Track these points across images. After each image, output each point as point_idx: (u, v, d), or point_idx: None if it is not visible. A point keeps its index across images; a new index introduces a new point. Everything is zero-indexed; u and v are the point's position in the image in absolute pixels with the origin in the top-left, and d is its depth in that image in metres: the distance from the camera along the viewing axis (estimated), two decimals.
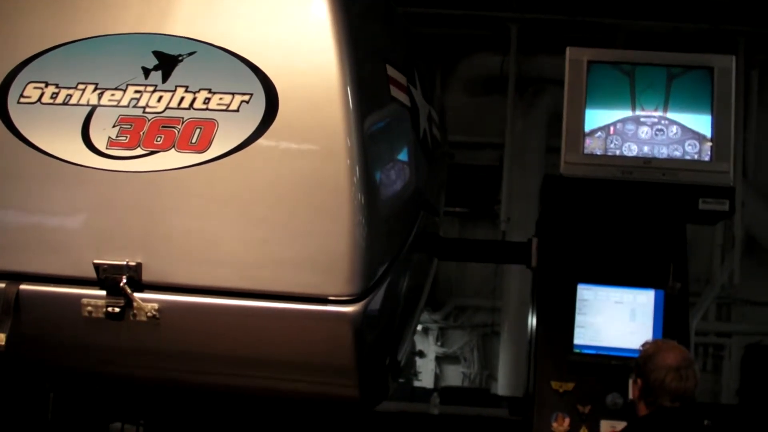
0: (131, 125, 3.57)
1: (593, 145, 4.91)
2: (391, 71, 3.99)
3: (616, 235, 5.02)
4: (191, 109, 3.57)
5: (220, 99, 3.56)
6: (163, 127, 3.56)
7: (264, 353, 3.72)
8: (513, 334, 10.86)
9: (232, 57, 3.60)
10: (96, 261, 3.57)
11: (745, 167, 11.24)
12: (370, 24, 3.99)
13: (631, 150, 4.91)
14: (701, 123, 4.92)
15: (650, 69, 4.97)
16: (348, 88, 3.51)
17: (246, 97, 3.54)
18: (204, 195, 3.55)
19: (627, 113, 4.92)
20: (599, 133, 4.91)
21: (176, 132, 3.55)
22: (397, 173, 4.05)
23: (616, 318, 4.91)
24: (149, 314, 3.58)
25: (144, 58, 3.67)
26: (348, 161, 3.49)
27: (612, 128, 4.91)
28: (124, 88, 3.63)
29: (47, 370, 4.13)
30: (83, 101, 3.62)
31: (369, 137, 3.61)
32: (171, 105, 3.59)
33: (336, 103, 3.50)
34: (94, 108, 3.61)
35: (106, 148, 3.57)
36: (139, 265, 3.57)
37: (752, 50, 10.65)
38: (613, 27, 10.21)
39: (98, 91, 3.63)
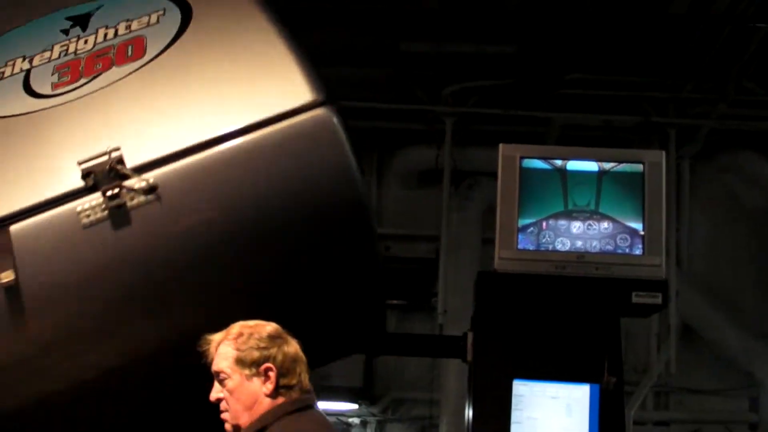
0: (69, 67, 3.96)
1: (526, 241, 4.93)
2: None
3: (551, 330, 5.03)
4: (117, 37, 4.02)
5: (140, 20, 4.06)
6: (97, 56, 3.97)
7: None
8: (452, 426, 10.76)
9: None
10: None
11: (678, 257, 11.32)
12: None
13: (564, 245, 4.93)
14: (633, 217, 4.95)
15: (581, 164, 5.01)
16: None
17: (161, 12, 4.06)
18: (156, 85, 3.83)
19: (559, 208, 4.95)
20: (532, 228, 4.93)
21: (112, 54, 3.95)
22: None
23: (552, 413, 4.89)
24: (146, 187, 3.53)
25: (60, 25, 4.19)
26: None
27: (544, 223, 4.94)
28: (50, 48, 4.05)
29: None
30: (17, 70, 4.01)
31: None
32: (98, 41, 4.05)
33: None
34: (28, 71, 3.99)
35: (52, 90, 3.88)
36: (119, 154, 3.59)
37: (683, 141, 10.80)
38: (545, 120, 10.33)
39: (28, 59, 4.05)
